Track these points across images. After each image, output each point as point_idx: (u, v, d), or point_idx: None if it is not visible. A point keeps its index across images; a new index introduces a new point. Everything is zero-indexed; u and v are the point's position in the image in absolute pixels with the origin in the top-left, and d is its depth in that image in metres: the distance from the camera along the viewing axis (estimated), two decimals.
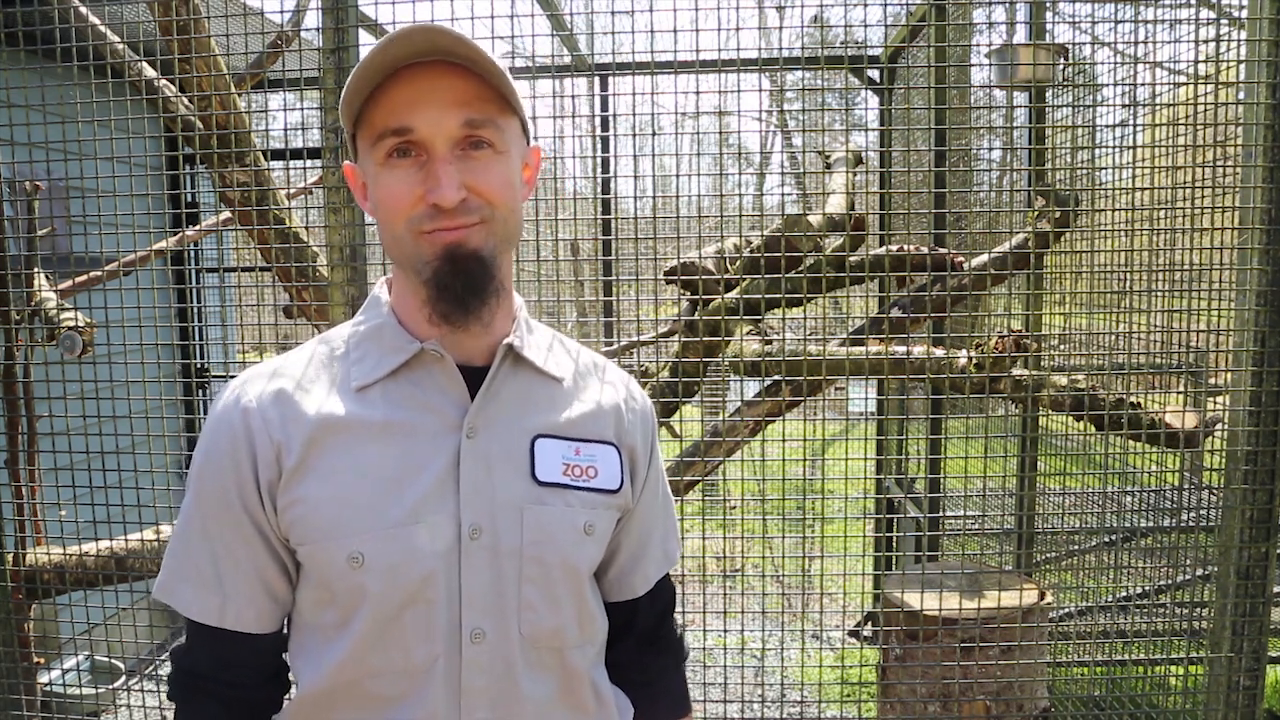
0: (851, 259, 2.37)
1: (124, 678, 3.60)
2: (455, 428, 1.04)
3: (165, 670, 3.98)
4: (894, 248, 2.46)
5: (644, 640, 1.24)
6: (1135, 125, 3.07)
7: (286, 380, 1.06)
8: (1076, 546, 3.55)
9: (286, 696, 1.13)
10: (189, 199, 4.21)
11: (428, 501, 1.01)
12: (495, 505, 1.03)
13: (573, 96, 8.83)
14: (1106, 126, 3.23)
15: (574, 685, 1.10)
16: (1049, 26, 3.16)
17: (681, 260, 2.53)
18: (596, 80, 4.15)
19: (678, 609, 1.34)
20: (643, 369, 2.77)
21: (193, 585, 1.05)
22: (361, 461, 1.02)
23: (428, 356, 1.05)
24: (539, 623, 1.05)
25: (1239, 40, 2.36)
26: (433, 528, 1.01)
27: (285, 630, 1.12)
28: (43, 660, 2.71)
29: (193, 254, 4.06)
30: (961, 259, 2.47)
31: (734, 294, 2.41)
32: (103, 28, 2.35)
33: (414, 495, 1.01)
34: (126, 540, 2.45)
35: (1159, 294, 2.77)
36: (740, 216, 4.88)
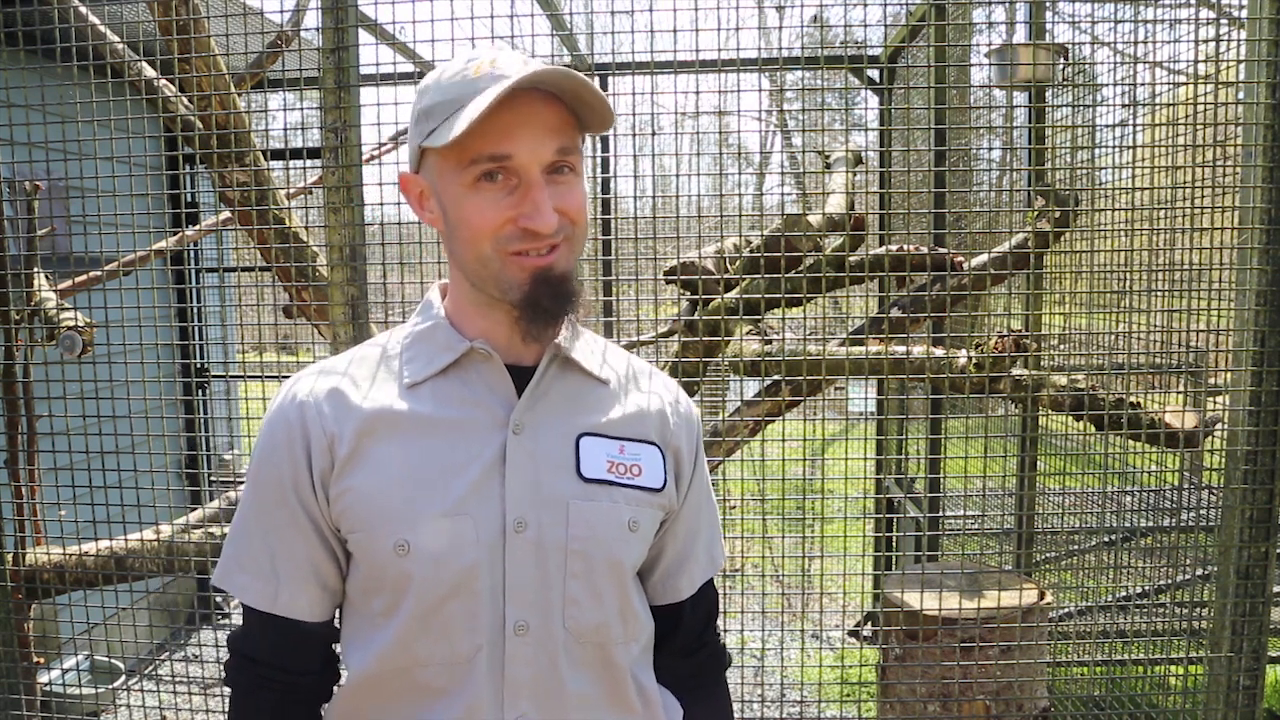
0: (851, 259, 2.37)
1: (124, 678, 3.60)
2: (502, 424, 1.08)
3: (165, 670, 3.98)
4: (894, 248, 2.46)
5: (688, 647, 1.25)
6: (1135, 125, 3.07)
7: (340, 377, 1.11)
8: (1076, 546, 3.55)
9: (337, 685, 1.17)
10: (189, 199, 4.21)
11: (473, 494, 1.05)
12: (540, 500, 1.06)
13: None
14: (1106, 126, 3.23)
15: (618, 683, 1.12)
16: (1049, 26, 3.16)
17: (681, 260, 2.53)
18: (596, 80, 4.15)
19: None
20: None
21: (249, 573, 1.10)
22: (410, 454, 1.06)
23: (476, 355, 1.10)
24: (582, 618, 1.08)
25: (1239, 40, 2.36)
26: (477, 520, 1.04)
27: (337, 622, 1.16)
28: (43, 660, 2.71)
29: (193, 254, 4.06)
30: (961, 259, 2.47)
31: (734, 294, 2.41)
32: (103, 28, 2.35)
33: (460, 488, 1.05)
34: (126, 540, 2.45)
35: (1159, 294, 2.77)
36: (740, 216, 4.87)
